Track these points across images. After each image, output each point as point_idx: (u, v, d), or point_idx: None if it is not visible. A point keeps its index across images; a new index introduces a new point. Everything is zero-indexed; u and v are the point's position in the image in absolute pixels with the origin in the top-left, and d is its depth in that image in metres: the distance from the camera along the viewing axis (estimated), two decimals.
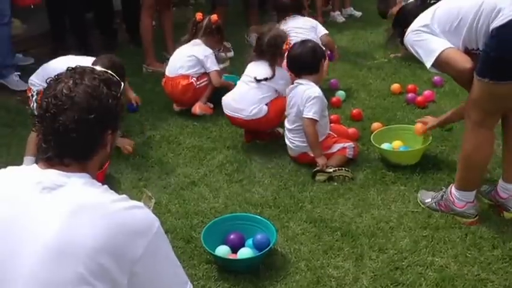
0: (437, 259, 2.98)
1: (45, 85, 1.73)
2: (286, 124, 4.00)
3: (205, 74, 4.78)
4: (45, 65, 4.19)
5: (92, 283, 1.51)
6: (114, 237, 1.55)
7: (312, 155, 3.86)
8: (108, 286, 1.53)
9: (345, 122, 4.49)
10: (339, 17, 7.27)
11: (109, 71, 1.81)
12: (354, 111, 4.58)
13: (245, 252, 3.01)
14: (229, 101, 4.27)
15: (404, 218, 3.32)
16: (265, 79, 4.14)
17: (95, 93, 1.68)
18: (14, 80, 5.37)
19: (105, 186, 1.68)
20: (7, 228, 1.57)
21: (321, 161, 3.79)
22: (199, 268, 3.01)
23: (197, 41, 4.85)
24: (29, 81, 4.21)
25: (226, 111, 4.27)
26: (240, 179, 3.82)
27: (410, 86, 4.97)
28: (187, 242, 3.21)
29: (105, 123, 1.72)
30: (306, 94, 3.86)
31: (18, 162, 3.81)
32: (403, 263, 2.96)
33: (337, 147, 3.93)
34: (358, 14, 7.42)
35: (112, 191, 1.68)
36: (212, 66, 4.78)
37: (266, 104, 4.15)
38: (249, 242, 3.09)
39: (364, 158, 3.96)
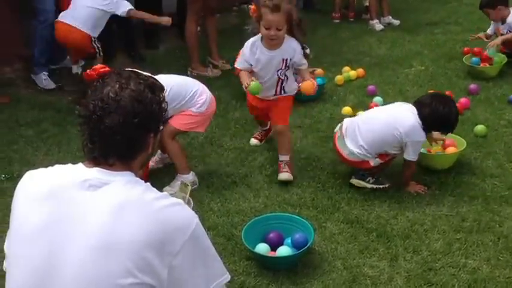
0: (470, 261, 3.03)
1: None
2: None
3: None
4: None
5: (138, 276, 1.58)
6: (156, 233, 1.61)
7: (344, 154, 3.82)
8: (151, 279, 1.60)
9: None
10: (377, 25, 7.28)
11: (153, 76, 1.86)
12: None
13: (284, 251, 3.08)
14: None
15: (438, 221, 3.37)
16: None
17: (139, 97, 1.72)
18: (42, 78, 5.57)
19: (148, 184, 1.73)
20: (56, 224, 1.62)
21: (411, 188, 3.70)
22: (239, 264, 3.10)
23: None
24: None
25: None
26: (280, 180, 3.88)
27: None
28: (228, 239, 3.30)
29: (148, 127, 1.76)
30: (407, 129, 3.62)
31: (68, 160, 3.88)
32: (437, 265, 3.02)
33: None
34: (397, 22, 7.40)
35: (154, 189, 1.72)
36: None
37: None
38: (288, 240, 3.17)
39: (400, 162, 3.91)
